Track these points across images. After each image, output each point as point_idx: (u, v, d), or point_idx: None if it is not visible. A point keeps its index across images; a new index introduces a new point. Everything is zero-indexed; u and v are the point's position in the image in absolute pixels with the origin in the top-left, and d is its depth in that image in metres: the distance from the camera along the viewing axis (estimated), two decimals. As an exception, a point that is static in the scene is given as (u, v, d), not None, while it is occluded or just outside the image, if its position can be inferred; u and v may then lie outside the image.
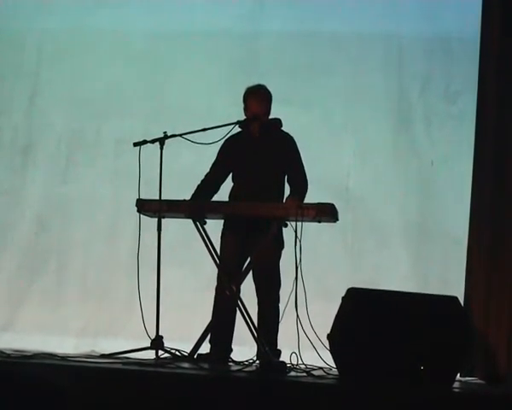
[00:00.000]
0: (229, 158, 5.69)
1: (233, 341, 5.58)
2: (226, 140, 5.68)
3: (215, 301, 5.57)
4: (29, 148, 7.00)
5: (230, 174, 5.73)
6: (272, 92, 6.50)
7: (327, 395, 4.30)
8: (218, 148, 5.72)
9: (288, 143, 5.64)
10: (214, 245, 5.59)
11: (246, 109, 5.65)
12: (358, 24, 6.71)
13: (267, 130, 5.64)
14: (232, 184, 5.72)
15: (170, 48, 6.91)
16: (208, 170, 5.74)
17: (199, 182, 5.75)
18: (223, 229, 5.65)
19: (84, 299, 6.69)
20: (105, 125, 6.95)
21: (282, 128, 5.72)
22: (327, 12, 6.78)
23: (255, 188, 5.53)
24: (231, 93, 6.71)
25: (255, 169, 5.57)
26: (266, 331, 5.49)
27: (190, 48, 6.90)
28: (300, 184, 5.58)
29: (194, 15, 6.92)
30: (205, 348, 5.48)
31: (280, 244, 5.54)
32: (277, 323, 5.52)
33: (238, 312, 5.50)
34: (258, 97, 5.61)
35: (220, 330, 5.53)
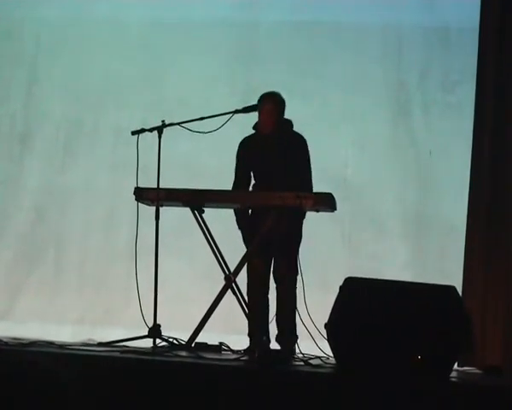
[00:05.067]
0: (247, 159, 5.67)
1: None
2: (241, 142, 5.70)
3: (249, 300, 5.57)
4: (27, 137, 6.99)
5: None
6: (270, 82, 6.52)
7: (324, 384, 4.30)
8: (236, 153, 5.71)
9: (300, 144, 5.63)
10: (212, 234, 5.59)
11: (259, 111, 5.62)
12: (357, 13, 6.69)
13: (280, 131, 5.62)
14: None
15: (168, 38, 6.90)
16: (234, 178, 5.71)
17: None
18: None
19: (82, 288, 6.68)
20: (103, 115, 6.94)
21: (294, 129, 5.70)
22: (326, 1, 6.77)
23: (271, 187, 5.50)
24: (230, 83, 6.73)
25: (270, 169, 5.55)
26: (284, 319, 5.50)
27: (189, 37, 6.89)
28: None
29: (193, 5, 6.91)
30: (202, 337, 5.48)
31: (296, 233, 5.54)
32: (295, 309, 5.49)
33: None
34: (265, 100, 5.60)
35: (258, 327, 5.54)
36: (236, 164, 5.72)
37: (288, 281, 5.52)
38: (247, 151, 5.68)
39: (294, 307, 5.50)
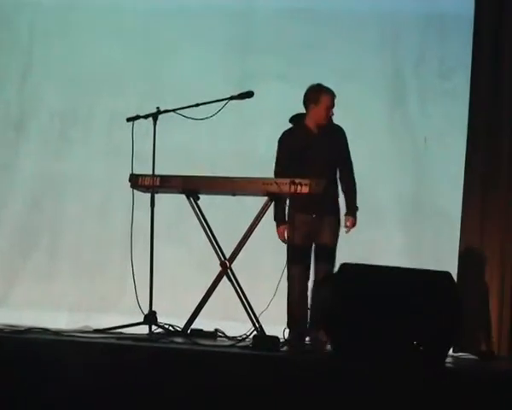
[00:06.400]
0: (290, 152, 5.69)
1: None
2: (283, 135, 5.74)
3: (289, 288, 5.59)
4: (22, 124, 6.98)
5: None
6: (267, 69, 6.56)
7: (319, 370, 4.30)
8: (277, 145, 5.74)
9: (342, 137, 5.76)
10: (207, 220, 5.60)
11: (317, 106, 5.68)
12: (353, 1, 6.70)
13: (326, 126, 5.72)
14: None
15: (164, 25, 6.89)
16: (275, 169, 5.72)
17: None
18: (288, 224, 5.63)
19: (78, 275, 6.68)
20: (98, 103, 6.93)
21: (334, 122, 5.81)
22: (322, -11, 6.78)
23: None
24: (225, 70, 6.72)
25: (314, 165, 5.60)
26: None
27: (184, 25, 6.88)
28: (352, 189, 5.74)
29: (189, -8, 6.91)
30: (197, 323, 5.49)
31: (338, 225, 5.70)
32: None
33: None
34: (332, 95, 5.71)
35: (298, 315, 5.58)
36: (278, 157, 5.73)
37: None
38: (290, 145, 5.70)
39: None
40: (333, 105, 5.70)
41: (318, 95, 5.69)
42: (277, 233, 5.70)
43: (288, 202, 5.67)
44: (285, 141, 5.74)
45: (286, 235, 5.65)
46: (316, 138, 5.69)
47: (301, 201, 5.51)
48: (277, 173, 5.68)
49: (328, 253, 5.63)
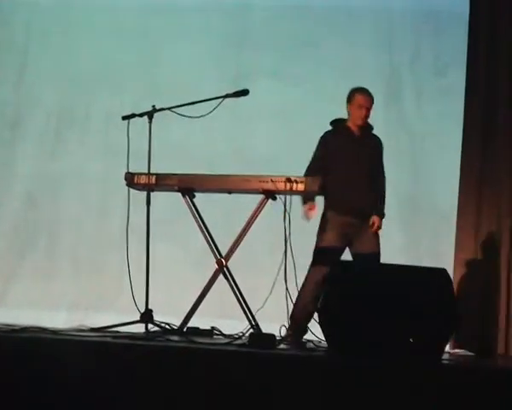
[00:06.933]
0: (330, 152, 5.72)
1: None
2: (326, 134, 5.77)
3: (303, 287, 5.61)
4: (18, 123, 6.99)
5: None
6: (263, 66, 6.55)
7: (315, 367, 4.30)
8: (318, 142, 5.75)
9: (380, 147, 5.82)
10: (203, 218, 5.60)
11: (351, 105, 5.72)
12: (349, -2, 6.73)
13: (366, 131, 5.76)
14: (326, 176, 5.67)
15: (160, 23, 6.90)
16: (309, 164, 5.73)
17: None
18: (322, 224, 5.66)
19: (75, 274, 6.70)
20: (95, 101, 6.95)
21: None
22: (317, -15, 6.78)
23: (354, 182, 5.61)
24: (222, 67, 6.72)
25: (355, 166, 5.65)
26: None
27: (181, 22, 6.90)
28: (382, 195, 5.78)
29: (185, -11, 6.92)
30: (194, 321, 5.49)
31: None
32: None
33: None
34: (366, 95, 5.71)
35: (302, 317, 5.60)
36: (316, 154, 5.74)
37: None
38: (331, 145, 5.71)
39: None
40: (367, 105, 5.70)
41: (352, 94, 5.75)
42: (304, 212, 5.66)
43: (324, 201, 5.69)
44: (328, 140, 5.76)
45: (310, 215, 5.62)
46: (358, 140, 5.74)
47: (339, 201, 5.58)
48: (312, 171, 5.67)
49: (374, 261, 5.60)
